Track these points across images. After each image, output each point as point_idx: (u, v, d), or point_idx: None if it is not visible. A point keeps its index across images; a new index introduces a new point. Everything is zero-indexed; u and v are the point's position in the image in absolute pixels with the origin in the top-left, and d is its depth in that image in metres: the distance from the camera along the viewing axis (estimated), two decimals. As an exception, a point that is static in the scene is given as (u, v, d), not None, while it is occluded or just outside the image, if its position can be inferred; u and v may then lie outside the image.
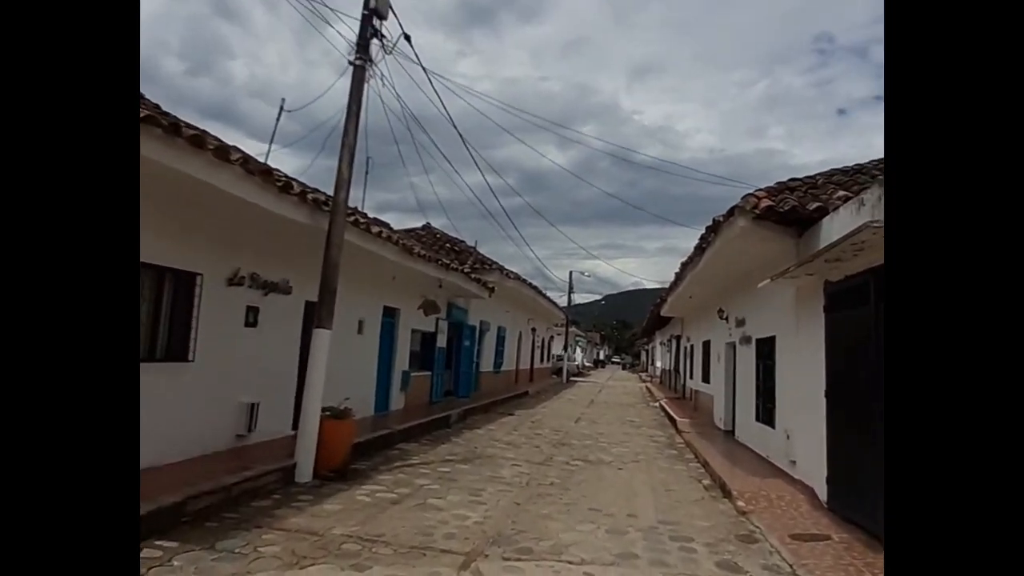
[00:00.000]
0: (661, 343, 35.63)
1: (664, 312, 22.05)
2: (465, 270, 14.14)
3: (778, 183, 8.08)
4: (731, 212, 7.73)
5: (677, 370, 25.68)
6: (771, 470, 8.89)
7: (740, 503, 7.06)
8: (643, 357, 78.70)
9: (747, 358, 11.28)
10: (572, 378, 39.30)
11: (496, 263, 17.41)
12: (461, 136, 10.87)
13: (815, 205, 7.18)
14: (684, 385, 22.38)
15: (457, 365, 17.67)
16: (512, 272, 18.39)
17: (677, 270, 13.91)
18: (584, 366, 42.78)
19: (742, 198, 7.63)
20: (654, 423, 16.36)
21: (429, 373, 15.02)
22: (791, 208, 7.27)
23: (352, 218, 8.31)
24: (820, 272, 6.89)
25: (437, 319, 15.36)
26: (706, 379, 16.66)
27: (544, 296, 25.90)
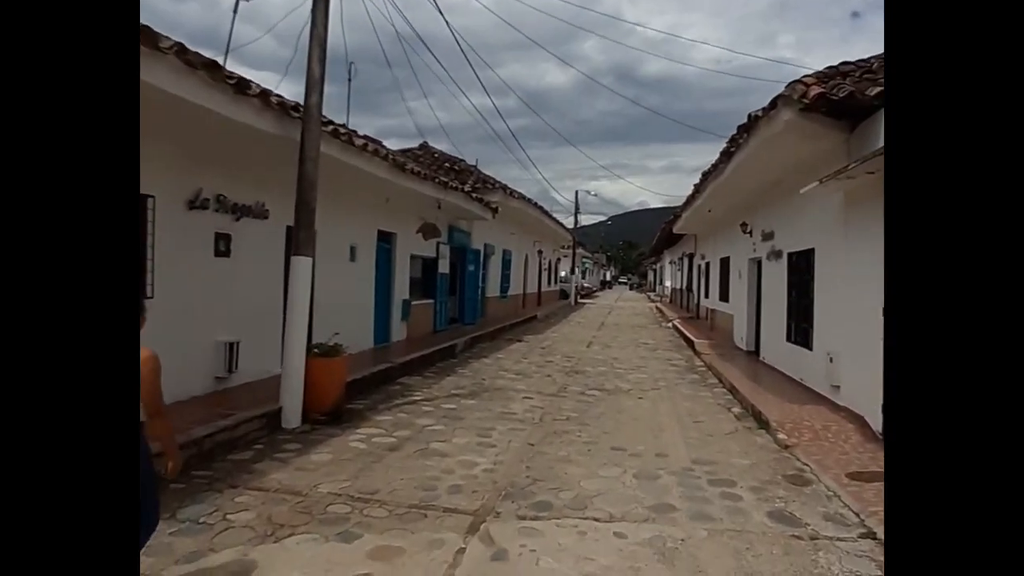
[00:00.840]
0: (671, 262, 34.68)
1: (677, 229, 20.98)
2: (466, 189, 13.03)
3: (827, 68, 6.85)
4: (773, 104, 6.56)
5: (690, 289, 24.84)
6: (808, 395, 8.11)
7: (781, 435, 6.29)
8: (650, 277, 78.00)
9: (776, 274, 10.32)
10: (580, 300, 38.66)
11: (499, 182, 16.23)
12: (461, 48, 9.52)
13: (877, 90, 6.01)
14: (698, 304, 21.59)
15: (461, 291, 16.84)
16: (516, 191, 17.23)
17: (696, 182, 12.76)
18: (584, 287, 41.91)
19: (787, 86, 6.44)
20: (669, 345, 15.64)
21: (432, 301, 14.19)
22: (848, 95, 6.10)
23: (330, 128, 7.19)
24: (882, 170, 5.80)
25: (438, 243, 14.38)
26: (724, 298, 15.79)
27: (550, 217, 24.78)
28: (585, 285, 48.38)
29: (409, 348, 11.37)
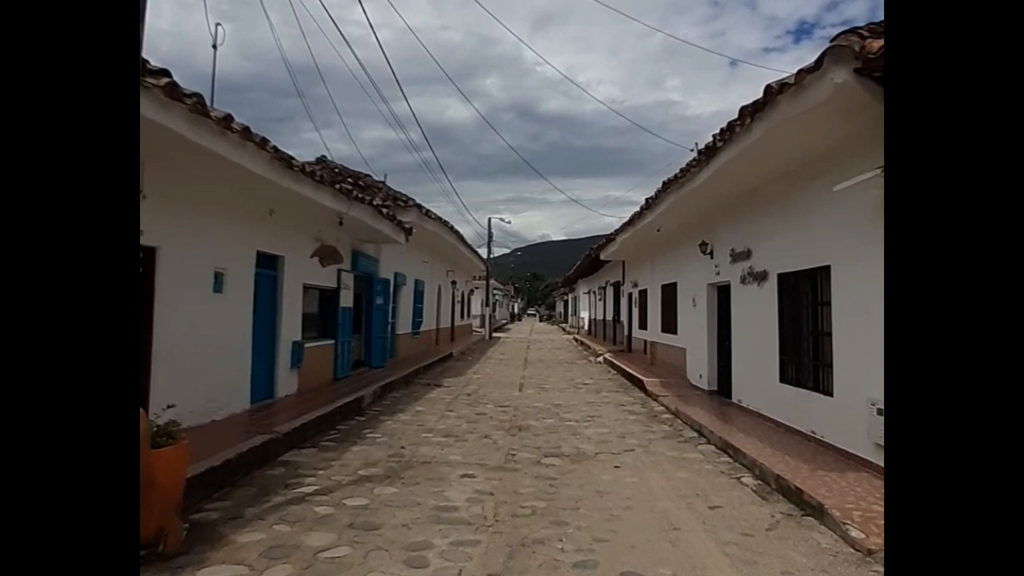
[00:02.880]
0: (590, 292, 33.34)
1: (606, 255, 19.37)
2: (376, 203, 10.60)
3: (872, 24, 5.13)
4: (819, 62, 4.72)
5: (617, 320, 23.30)
6: (837, 457, 6.26)
7: (853, 531, 4.30)
8: (559, 308, 77.52)
9: (757, 300, 8.60)
10: (494, 334, 36.49)
11: (412, 199, 13.87)
12: (370, 76, 7.21)
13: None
14: (628, 336, 19.98)
15: (368, 329, 14.18)
16: (432, 212, 14.92)
17: (649, 197, 11.00)
18: (489, 320, 39.76)
19: (838, 36, 4.64)
20: (613, 384, 13.70)
21: (331, 342, 11.50)
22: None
23: (164, 81, 4.62)
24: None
25: (339, 271, 11.77)
26: (669, 329, 14.11)
27: (466, 244, 22.59)
28: (496, 318, 46.57)
29: (301, 406, 8.66)
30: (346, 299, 12.15)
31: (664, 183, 9.55)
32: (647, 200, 11.09)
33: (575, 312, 45.98)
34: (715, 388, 10.92)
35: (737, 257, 9.34)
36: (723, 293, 10.56)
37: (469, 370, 16.78)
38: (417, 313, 18.83)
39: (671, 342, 13.88)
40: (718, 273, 10.35)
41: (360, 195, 9.55)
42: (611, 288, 24.64)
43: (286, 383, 9.46)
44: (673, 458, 6.95)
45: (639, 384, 12.75)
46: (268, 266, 9.00)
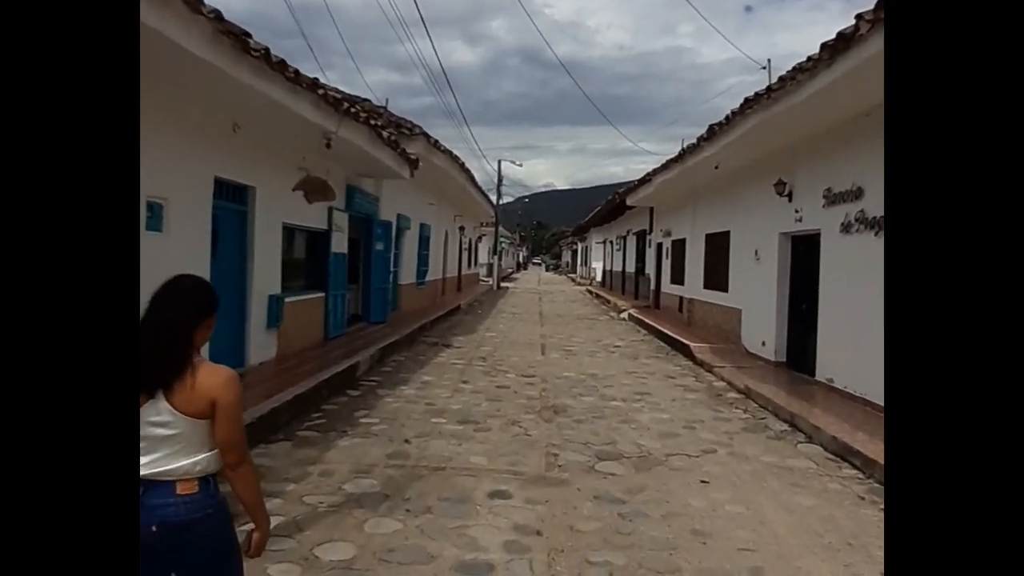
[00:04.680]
0: (605, 241, 31.27)
1: (634, 200, 17.26)
2: (374, 123, 8.47)
3: None
4: None
5: (641, 272, 21.32)
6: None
7: None
8: (566, 257, 75.47)
9: (868, 254, 6.60)
10: (502, 284, 34.62)
11: (418, 126, 11.70)
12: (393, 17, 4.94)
13: None
14: (656, 291, 18.04)
15: (367, 279, 12.25)
16: (441, 144, 12.76)
17: (715, 123, 8.85)
18: (497, 270, 37.74)
19: None
20: (649, 348, 11.84)
21: (321, 294, 9.57)
22: None
23: None
24: None
25: (331, 209, 9.75)
26: (716, 285, 12.15)
27: (476, 185, 20.43)
28: (502, 268, 44.61)
29: (277, 378, 6.81)
30: (339, 244, 10.17)
31: (746, 100, 7.39)
32: (710, 128, 8.94)
33: (586, 263, 43.98)
34: (783, 359, 9.04)
35: (837, 199, 7.28)
36: (804, 245, 8.54)
37: (480, 326, 14.93)
38: (423, 261, 16.87)
39: (718, 300, 11.93)
40: (800, 220, 8.31)
41: (354, 108, 7.43)
42: (633, 237, 22.55)
43: (261, 347, 7.57)
44: (776, 467, 5.10)
45: (683, 350, 10.88)
46: (233, 199, 6.99)
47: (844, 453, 5.24)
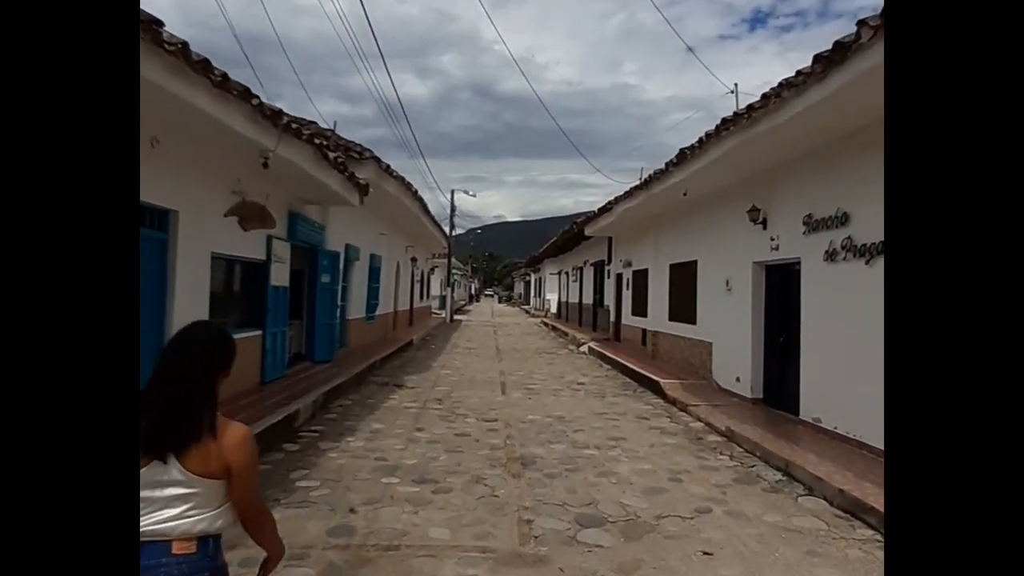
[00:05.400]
0: (560, 272, 30.85)
1: (592, 231, 16.84)
2: (318, 143, 7.67)
3: None
4: None
5: (599, 304, 20.85)
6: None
7: None
8: (518, 289, 75.02)
9: (857, 283, 6.15)
10: (455, 316, 33.69)
11: (370, 151, 10.93)
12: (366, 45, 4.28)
13: None
14: (617, 323, 17.53)
15: (311, 313, 11.27)
16: (394, 169, 12.00)
17: (686, 147, 8.40)
18: (450, 302, 36.59)
19: None
20: (615, 384, 11.19)
21: (257, 332, 8.57)
22: None
23: None
24: None
25: (270, 238, 8.83)
26: (681, 317, 11.67)
27: (429, 214, 19.69)
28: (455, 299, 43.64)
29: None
30: (279, 276, 9.22)
31: (723, 121, 6.95)
32: (681, 152, 8.49)
33: (540, 294, 43.54)
34: (760, 396, 8.52)
35: (819, 225, 6.86)
36: (780, 274, 8.11)
37: (435, 363, 14.03)
38: (373, 294, 15.92)
39: (686, 333, 11.43)
40: (776, 248, 7.88)
41: (295, 125, 6.63)
42: (591, 268, 22.14)
43: (183, 395, 6.55)
44: (783, 530, 4.44)
45: (652, 386, 10.28)
46: (150, 224, 6.05)
47: (855, 509, 4.63)
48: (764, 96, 5.99)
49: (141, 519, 1.61)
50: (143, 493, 1.60)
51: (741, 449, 6.58)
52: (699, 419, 7.95)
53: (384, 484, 5.28)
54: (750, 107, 6.28)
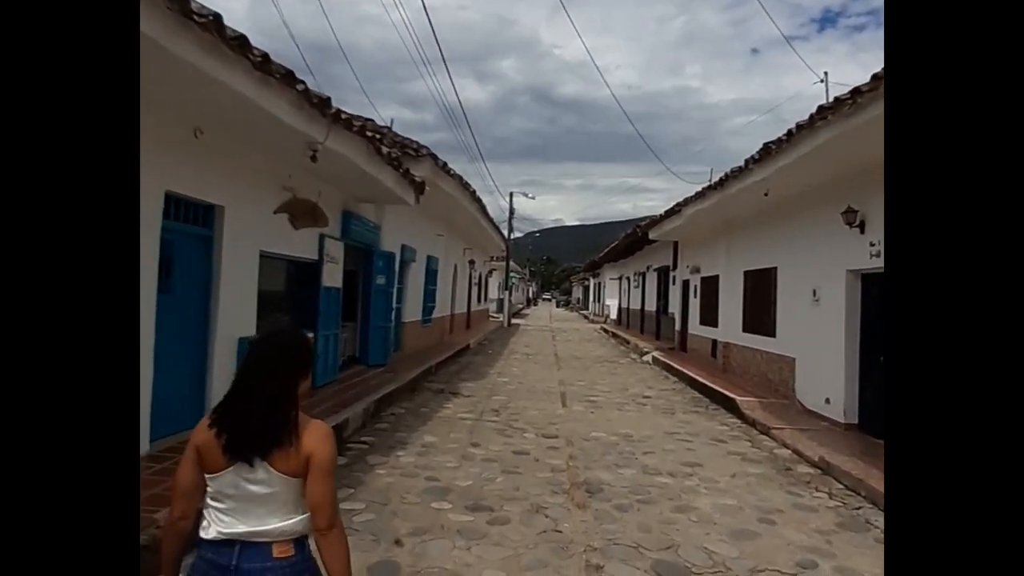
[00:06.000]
0: (621, 278, 29.91)
1: (657, 234, 15.97)
2: (370, 134, 7.25)
3: None
4: None
5: (663, 311, 19.90)
6: None
7: None
8: (577, 294, 74.02)
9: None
10: (513, 320, 33.20)
11: (426, 148, 10.51)
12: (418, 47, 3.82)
13: None
14: (683, 332, 16.58)
15: (365, 316, 10.92)
16: (451, 168, 11.56)
17: (770, 142, 7.57)
18: (507, 306, 35.95)
19: None
20: (683, 399, 10.35)
21: (309, 335, 8.22)
22: None
23: None
24: None
25: (322, 236, 8.49)
26: (759, 329, 10.73)
27: (487, 216, 19.23)
28: (512, 303, 43.18)
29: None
30: (332, 276, 8.87)
31: (820, 108, 6.09)
32: (765, 147, 7.64)
33: (599, 299, 42.57)
34: (855, 421, 7.56)
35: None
36: (879, 284, 7.16)
37: (491, 369, 13.51)
38: (429, 297, 15.55)
39: (763, 346, 10.48)
40: (877, 254, 6.94)
41: (346, 115, 6.20)
42: (654, 274, 21.19)
43: (227, 401, 6.21)
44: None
45: (726, 403, 9.41)
46: (194, 219, 5.71)
47: None
48: (875, 76, 5.15)
49: (226, 518, 1.66)
50: (231, 491, 1.65)
51: (841, 485, 5.71)
52: (785, 445, 7.08)
53: (435, 510, 4.73)
54: (855, 91, 5.43)
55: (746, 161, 8.41)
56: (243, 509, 1.66)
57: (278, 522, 1.67)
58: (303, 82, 5.08)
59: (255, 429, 1.65)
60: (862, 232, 7.24)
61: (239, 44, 4.09)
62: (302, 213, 7.54)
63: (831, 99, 6.12)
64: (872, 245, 7.05)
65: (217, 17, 3.75)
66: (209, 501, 1.71)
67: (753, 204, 9.95)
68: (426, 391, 10.17)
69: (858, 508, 5.15)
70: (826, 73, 16.93)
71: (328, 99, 5.57)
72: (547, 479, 5.66)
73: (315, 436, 1.71)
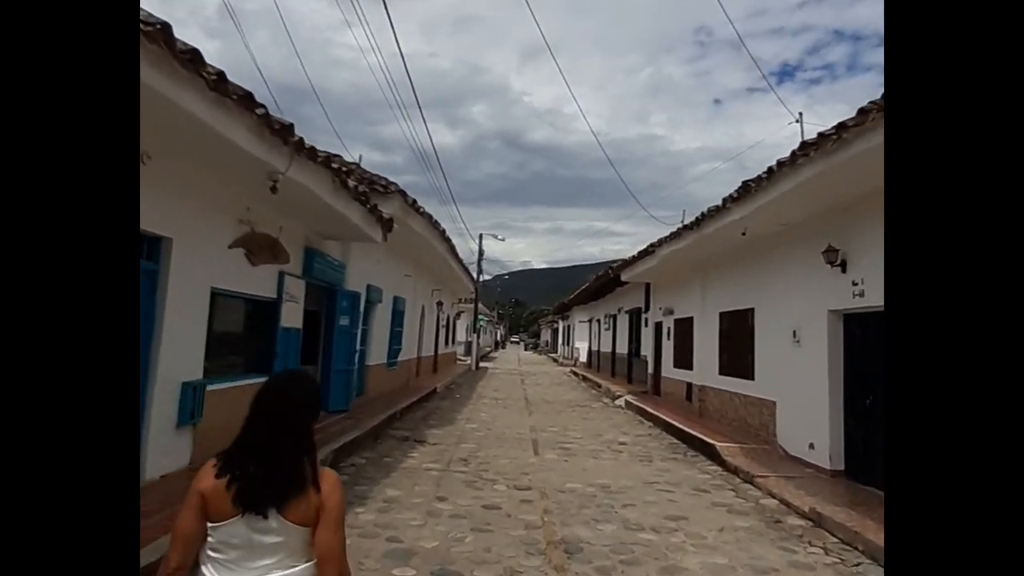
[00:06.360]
0: (591, 320, 29.72)
1: (629, 276, 15.83)
2: (335, 166, 6.88)
3: None
4: None
5: (635, 354, 19.63)
6: None
7: None
8: (545, 336, 73.64)
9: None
10: (481, 363, 32.56)
11: (395, 184, 10.18)
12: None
13: None
14: (656, 375, 16.28)
15: (327, 359, 10.35)
16: (420, 206, 11.23)
17: (749, 180, 7.45)
18: (476, 349, 35.28)
19: None
20: (660, 446, 9.95)
21: (264, 378, 7.66)
22: None
23: None
24: None
25: (282, 274, 8.00)
26: (736, 371, 10.48)
27: (457, 257, 18.90)
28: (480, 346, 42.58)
29: (181, 501, 4.83)
30: (292, 317, 8.35)
31: (803, 145, 5.97)
32: (744, 185, 7.51)
33: (568, 342, 42.27)
34: (841, 467, 7.26)
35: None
36: (863, 325, 6.98)
37: (459, 415, 12.94)
38: (395, 339, 15.00)
39: (741, 389, 10.22)
40: (860, 294, 6.77)
41: (310, 145, 5.83)
42: (626, 316, 21.01)
43: (166, 453, 5.58)
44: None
45: (705, 449, 9.05)
46: (144, 251, 5.22)
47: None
48: (861, 111, 5.02)
49: (225, 570, 1.61)
50: (235, 541, 1.61)
51: (835, 539, 5.35)
52: (771, 495, 6.72)
53: (395, 579, 4.20)
54: (840, 126, 5.30)
55: (724, 200, 8.27)
56: (247, 559, 1.61)
57: (282, 569, 1.62)
58: (263, 106, 4.72)
59: (271, 480, 1.60)
60: (844, 271, 7.09)
61: (190, 59, 3.72)
62: (261, 248, 7.09)
63: (805, 139, 6.01)
64: (855, 284, 6.88)
65: (165, 26, 3.38)
66: (208, 552, 1.63)
67: (730, 244, 9.82)
68: (390, 439, 9.58)
69: (857, 565, 4.79)
70: (801, 114, 17.28)
71: (291, 125, 5.21)
72: (521, 538, 5.17)
73: (328, 485, 1.68)
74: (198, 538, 1.64)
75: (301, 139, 5.51)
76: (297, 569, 1.65)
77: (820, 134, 5.61)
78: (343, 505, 1.71)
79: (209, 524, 1.63)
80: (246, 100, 4.50)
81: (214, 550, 1.62)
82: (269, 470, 1.61)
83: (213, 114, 4.31)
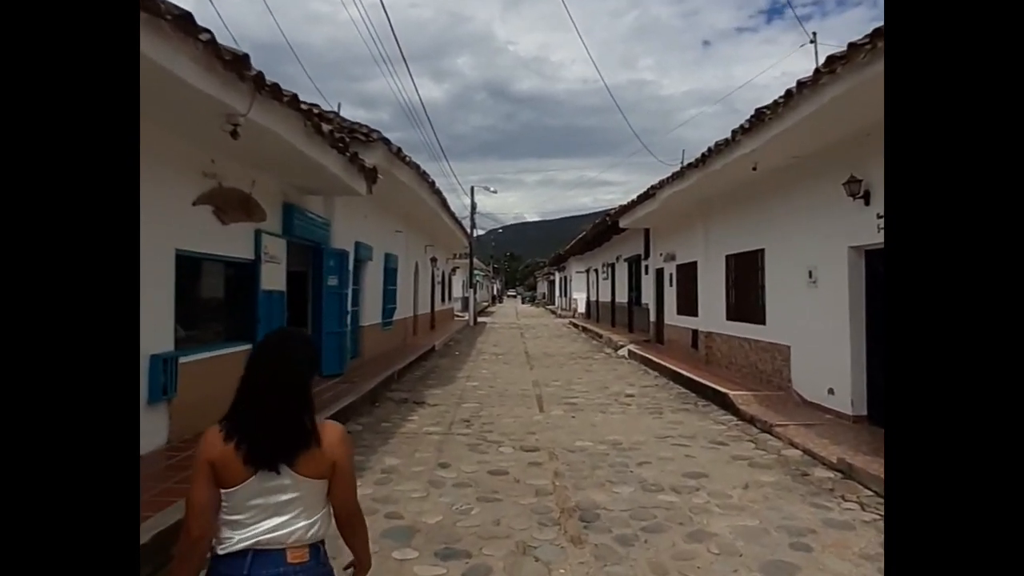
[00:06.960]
0: (589, 270, 29.21)
1: (627, 222, 15.23)
2: (310, 110, 6.20)
3: None
4: None
5: (636, 303, 19.19)
6: None
7: None
8: (542, 288, 73.36)
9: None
10: (479, 318, 32.22)
11: (378, 132, 9.46)
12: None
13: None
14: (658, 323, 15.86)
15: (317, 322, 9.83)
16: (407, 155, 10.52)
17: (763, 107, 6.80)
18: (472, 304, 34.66)
19: None
20: (669, 396, 9.57)
21: (245, 347, 7.10)
22: None
23: None
24: None
25: (259, 232, 7.39)
26: (746, 316, 10.01)
27: (449, 211, 18.22)
28: (477, 301, 42.19)
29: (155, 486, 4.35)
30: (273, 278, 7.78)
31: (829, 60, 5.30)
32: (758, 113, 6.86)
33: (566, 293, 41.89)
34: (864, 412, 6.86)
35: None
36: (882, 260, 6.45)
37: (460, 373, 12.54)
38: (389, 298, 14.48)
39: (751, 334, 9.77)
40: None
41: (272, 82, 5.14)
42: (625, 264, 20.48)
43: (141, 434, 5.12)
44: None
45: (717, 398, 8.66)
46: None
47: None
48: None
49: (241, 530, 1.63)
50: (253, 501, 1.63)
51: (870, 492, 4.96)
52: (793, 444, 6.32)
53: (397, 562, 3.77)
54: (876, 32, 4.65)
55: (733, 132, 7.63)
56: (263, 518, 1.64)
57: (296, 525, 1.65)
58: (208, 31, 4.03)
59: (278, 435, 1.63)
60: (867, 204, 6.53)
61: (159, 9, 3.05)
62: (231, 205, 6.47)
63: (815, 68, 5.35)
64: (879, 217, 6.33)
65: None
66: (225, 517, 1.65)
67: (737, 182, 9.21)
68: (388, 401, 9.16)
69: (900, 522, 4.39)
70: (815, 33, 16.22)
71: (246, 56, 4.53)
72: (532, 506, 4.76)
73: (336, 438, 1.73)
74: (214, 507, 1.65)
75: (260, 73, 4.83)
76: (310, 522, 1.68)
77: (851, 44, 4.95)
78: (353, 455, 1.79)
79: (223, 491, 1.64)
80: (183, 22, 3.81)
81: (231, 513, 1.63)
82: (274, 427, 1.63)
83: (147, 40, 3.64)
